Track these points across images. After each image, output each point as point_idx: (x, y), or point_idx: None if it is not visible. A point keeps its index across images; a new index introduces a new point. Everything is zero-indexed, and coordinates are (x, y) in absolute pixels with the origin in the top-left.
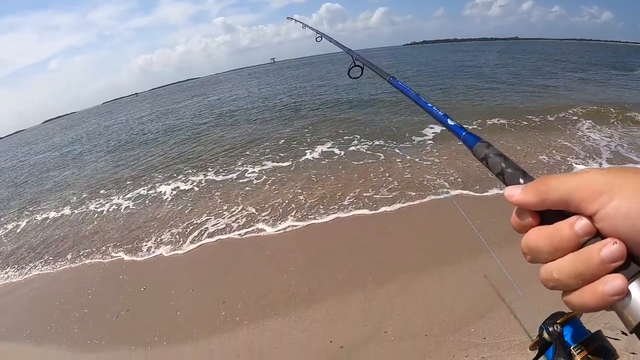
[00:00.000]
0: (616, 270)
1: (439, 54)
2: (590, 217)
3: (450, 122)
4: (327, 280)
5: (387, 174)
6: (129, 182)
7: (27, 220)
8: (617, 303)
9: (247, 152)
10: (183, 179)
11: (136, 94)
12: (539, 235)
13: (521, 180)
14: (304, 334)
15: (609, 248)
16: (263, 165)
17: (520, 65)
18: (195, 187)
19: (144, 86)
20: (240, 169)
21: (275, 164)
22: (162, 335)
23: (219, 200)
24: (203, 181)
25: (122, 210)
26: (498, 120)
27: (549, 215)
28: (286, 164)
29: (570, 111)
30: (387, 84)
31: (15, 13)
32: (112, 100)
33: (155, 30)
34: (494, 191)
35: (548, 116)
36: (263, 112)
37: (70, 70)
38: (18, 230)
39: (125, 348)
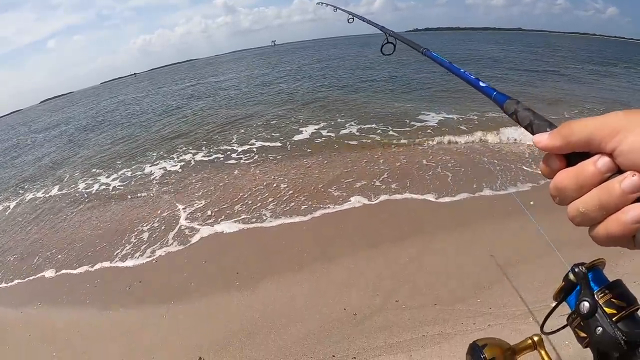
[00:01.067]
0: (637, 201)
1: (447, 42)
2: (610, 155)
3: (481, 84)
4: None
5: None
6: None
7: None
8: (638, 232)
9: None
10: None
11: (135, 74)
12: (566, 176)
13: (548, 129)
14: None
15: (629, 180)
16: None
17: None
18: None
19: (143, 66)
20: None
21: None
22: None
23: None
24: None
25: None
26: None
27: (574, 157)
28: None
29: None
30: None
31: None
32: (110, 80)
33: (154, 11)
34: None
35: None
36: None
37: (69, 50)
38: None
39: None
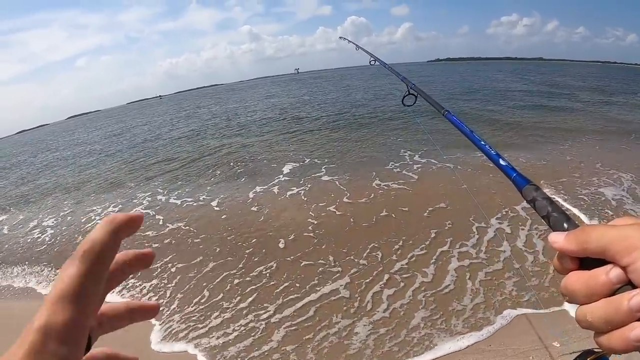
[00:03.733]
0: None
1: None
2: (624, 268)
3: (502, 162)
4: None
5: None
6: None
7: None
8: None
9: None
10: None
11: (160, 96)
12: (577, 280)
13: (565, 225)
14: None
15: (638, 298)
16: None
17: None
18: None
19: (169, 89)
20: None
21: None
22: None
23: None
24: None
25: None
26: None
27: (587, 261)
28: None
29: None
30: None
31: (46, 9)
32: (136, 101)
33: (182, 35)
34: None
35: None
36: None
37: (97, 69)
38: None
39: None
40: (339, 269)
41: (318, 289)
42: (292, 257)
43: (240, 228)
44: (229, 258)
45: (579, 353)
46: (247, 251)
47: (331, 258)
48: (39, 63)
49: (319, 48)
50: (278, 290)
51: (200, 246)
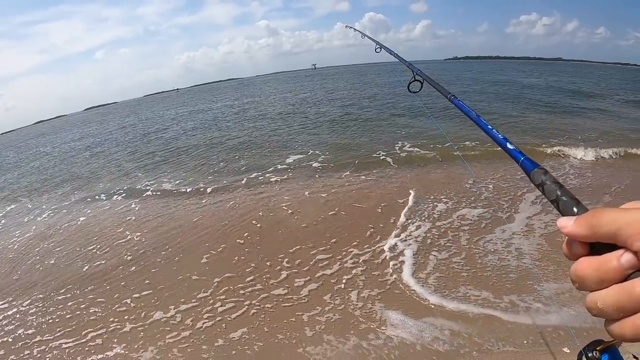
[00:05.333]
0: None
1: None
2: (636, 253)
3: (509, 145)
4: None
5: None
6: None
7: None
8: None
9: None
10: None
11: (177, 89)
12: (588, 265)
13: (574, 209)
14: None
15: None
16: None
17: None
18: None
19: (186, 82)
20: None
21: None
22: None
23: None
24: None
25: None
26: None
27: (597, 246)
28: None
29: None
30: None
31: (67, 2)
32: (154, 94)
33: (199, 29)
34: None
35: None
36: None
37: (115, 62)
38: None
39: None
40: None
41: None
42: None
43: None
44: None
45: (587, 344)
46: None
47: None
48: (59, 54)
49: (336, 44)
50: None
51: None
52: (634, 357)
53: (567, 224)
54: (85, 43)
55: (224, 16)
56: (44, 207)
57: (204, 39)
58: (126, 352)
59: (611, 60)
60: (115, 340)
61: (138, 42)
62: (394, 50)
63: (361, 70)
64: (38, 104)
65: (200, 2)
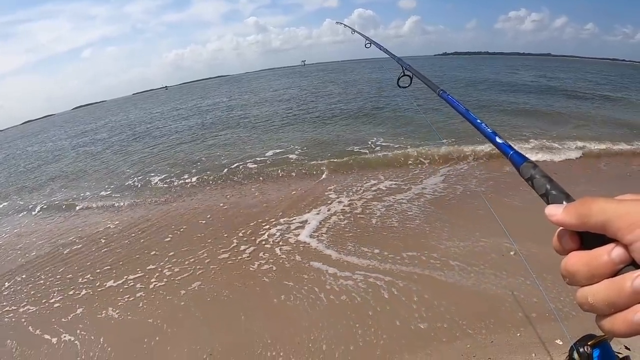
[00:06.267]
0: None
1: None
2: (626, 246)
3: (498, 139)
4: None
5: None
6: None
7: None
8: None
9: None
10: None
11: (166, 87)
12: (577, 261)
13: (564, 203)
14: None
15: None
16: None
17: None
18: None
19: (174, 80)
20: None
21: None
22: None
23: None
24: None
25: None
26: None
27: (588, 237)
28: None
29: None
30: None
31: (52, 1)
32: (142, 92)
33: (187, 27)
34: None
35: None
36: None
37: (103, 60)
38: None
39: None
40: None
41: None
42: None
43: None
44: None
45: (579, 338)
46: None
47: None
48: (46, 54)
49: (325, 40)
50: None
51: None
52: (626, 347)
53: (556, 212)
54: (72, 42)
55: (212, 13)
56: None
57: (192, 37)
58: (86, 312)
59: (600, 55)
60: (76, 305)
61: (125, 40)
62: (383, 46)
63: (349, 68)
64: (26, 103)
65: None
